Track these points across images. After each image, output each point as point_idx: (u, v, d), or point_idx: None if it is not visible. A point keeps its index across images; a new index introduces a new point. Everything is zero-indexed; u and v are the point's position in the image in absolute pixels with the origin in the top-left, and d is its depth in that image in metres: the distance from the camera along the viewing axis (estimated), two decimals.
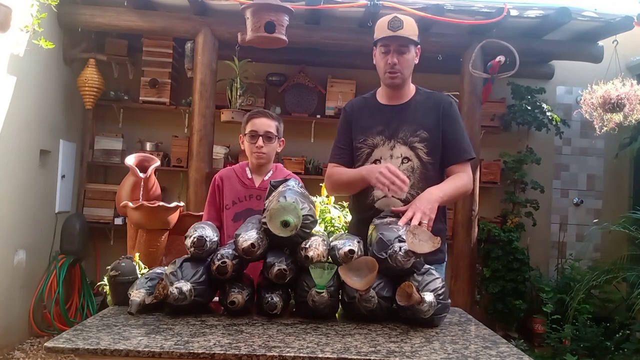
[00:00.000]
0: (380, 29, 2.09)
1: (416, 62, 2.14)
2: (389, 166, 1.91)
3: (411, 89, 2.19)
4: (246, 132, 2.34)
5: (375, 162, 2.10)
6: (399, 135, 2.10)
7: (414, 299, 1.59)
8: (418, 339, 1.56)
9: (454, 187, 2.05)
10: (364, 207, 2.12)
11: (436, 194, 1.93)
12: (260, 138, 2.30)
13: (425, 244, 1.68)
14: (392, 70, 2.08)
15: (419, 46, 2.13)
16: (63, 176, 4.52)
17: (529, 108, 4.80)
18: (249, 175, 2.35)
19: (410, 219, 1.81)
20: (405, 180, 1.88)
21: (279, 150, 2.43)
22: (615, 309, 4.52)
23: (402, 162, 2.09)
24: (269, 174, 2.36)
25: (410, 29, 2.07)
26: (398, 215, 1.89)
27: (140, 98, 4.68)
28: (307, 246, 1.71)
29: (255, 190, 2.32)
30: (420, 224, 1.80)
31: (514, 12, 4.11)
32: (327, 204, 3.07)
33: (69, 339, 1.43)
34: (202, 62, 4.34)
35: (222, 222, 2.33)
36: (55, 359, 3.63)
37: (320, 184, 3.12)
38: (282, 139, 2.42)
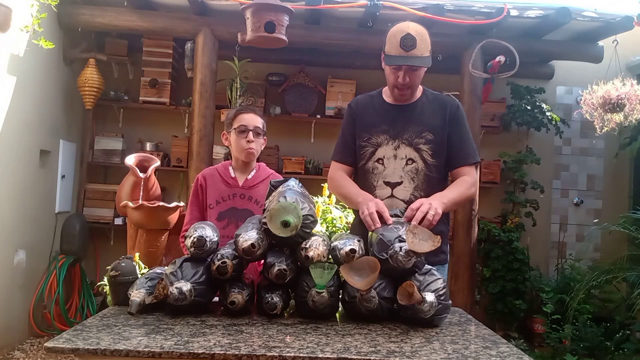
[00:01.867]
0: (392, 45, 2.01)
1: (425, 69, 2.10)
2: (377, 202, 1.87)
3: (418, 90, 2.17)
4: (234, 127, 2.30)
5: (378, 160, 2.10)
6: (404, 136, 2.08)
7: (415, 299, 1.59)
8: (418, 339, 1.56)
9: (457, 193, 2.03)
10: None
11: (439, 200, 1.90)
12: (250, 132, 2.28)
13: (426, 243, 1.68)
14: (402, 88, 2.06)
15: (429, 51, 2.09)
16: (63, 176, 4.52)
17: (529, 108, 4.80)
18: (232, 174, 2.33)
19: (413, 215, 1.80)
20: (388, 220, 1.81)
21: (262, 149, 2.41)
22: (615, 309, 4.51)
23: (407, 164, 2.08)
24: (253, 173, 2.35)
25: (423, 46, 2.00)
26: (397, 215, 1.89)
27: (140, 98, 4.68)
28: (307, 246, 1.71)
29: (239, 189, 2.31)
30: (422, 220, 1.78)
31: (514, 12, 4.11)
32: (328, 204, 3.07)
33: (69, 339, 1.43)
34: (202, 62, 4.34)
35: None
36: (55, 359, 3.63)
37: (322, 185, 3.13)
38: (265, 137, 2.41)
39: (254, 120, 2.31)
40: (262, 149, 2.42)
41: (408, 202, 2.03)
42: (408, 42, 1.98)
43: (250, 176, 2.34)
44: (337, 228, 2.93)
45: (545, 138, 5.08)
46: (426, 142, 2.07)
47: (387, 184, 2.08)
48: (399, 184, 2.07)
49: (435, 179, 2.08)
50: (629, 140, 4.78)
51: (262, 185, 2.30)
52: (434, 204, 1.84)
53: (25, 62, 3.82)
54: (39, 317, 4.26)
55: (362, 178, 2.15)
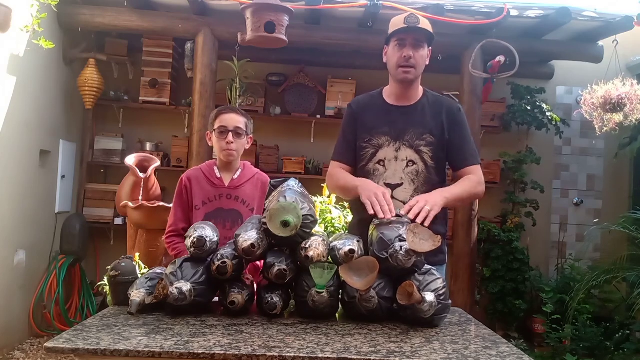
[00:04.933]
0: (396, 25, 2.08)
1: (427, 63, 2.13)
2: (385, 192, 1.89)
3: (419, 91, 2.17)
4: (215, 128, 2.30)
5: (379, 162, 2.10)
6: (405, 138, 2.08)
7: (414, 299, 1.60)
8: (418, 339, 1.56)
9: (461, 189, 2.04)
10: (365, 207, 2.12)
11: (440, 194, 1.93)
12: (230, 134, 2.26)
13: (426, 242, 1.68)
14: (407, 65, 2.06)
15: (430, 48, 2.13)
16: (63, 176, 4.52)
17: (529, 108, 4.80)
18: (218, 175, 2.32)
19: (410, 210, 1.82)
20: (393, 212, 1.83)
21: (247, 148, 2.39)
22: (615, 309, 4.52)
23: (407, 165, 2.08)
24: (238, 172, 2.33)
25: (426, 25, 2.09)
26: (399, 215, 1.89)
27: (140, 98, 4.67)
28: (307, 246, 1.71)
29: (225, 189, 2.29)
30: (416, 218, 1.79)
31: (514, 12, 4.11)
32: (327, 204, 3.07)
33: (69, 339, 1.43)
34: (202, 62, 4.34)
35: (190, 224, 2.22)
36: (55, 359, 3.63)
37: (322, 185, 3.13)
38: (251, 136, 2.38)
39: (234, 120, 2.29)
40: (248, 147, 2.38)
41: (407, 203, 2.04)
42: (412, 19, 2.05)
43: (236, 176, 2.32)
44: (336, 228, 2.93)
45: (546, 138, 5.08)
46: (427, 144, 2.07)
47: (388, 185, 2.08)
48: (400, 185, 2.07)
49: (435, 181, 2.09)
50: (629, 140, 4.78)
51: (248, 185, 2.30)
52: (432, 200, 1.86)
53: (25, 62, 3.82)
54: (39, 317, 4.26)
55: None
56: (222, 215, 2.25)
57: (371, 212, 1.84)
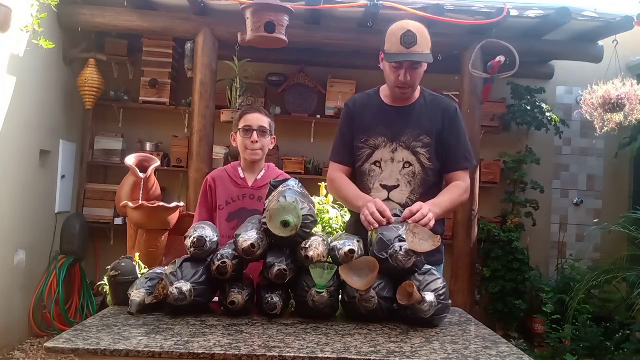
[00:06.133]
0: (392, 43, 1.98)
1: (425, 68, 2.09)
2: (377, 202, 1.86)
3: (417, 91, 2.15)
4: (240, 127, 2.33)
5: (375, 163, 2.09)
6: (401, 139, 2.07)
7: (414, 299, 1.60)
8: (418, 339, 1.56)
9: (450, 200, 2.03)
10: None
11: (433, 210, 1.87)
12: (255, 132, 2.29)
13: (426, 242, 1.68)
14: (403, 87, 2.04)
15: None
16: (63, 176, 4.52)
17: (529, 108, 4.80)
18: (242, 175, 2.34)
19: (410, 216, 1.81)
20: (390, 219, 1.80)
21: (271, 148, 2.42)
22: (615, 309, 4.52)
23: (404, 167, 2.07)
24: (262, 173, 2.35)
25: (424, 43, 1.97)
26: (397, 215, 1.89)
27: (140, 98, 4.68)
28: (307, 246, 1.71)
29: (249, 189, 2.32)
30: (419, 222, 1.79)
31: (514, 12, 4.11)
32: (325, 203, 3.06)
33: (69, 339, 1.43)
34: (202, 62, 4.34)
35: (214, 223, 2.30)
36: (55, 359, 3.63)
37: (320, 184, 3.13)
38: (274, 136, 2.41)
39: (258, 120, 2.32)
40: (272, 147, 2.42)
41: (404, 206, 2.02)
42: (409, 39, 1.95)
43: (259, 176, 2.34)
44: (333, 229, 2.93)
45: (545, 138, 5.08)
46: (423, 145, 2.06)
47: (384, 187, 2.07)
48: (396, 187, 2.06)
49: (431, 183, 2.08)
50: (629, 140, 4.78)
51: None
52: (432, 211, 1.85)
53: (25, 62, 3.82)
54: (39, 317, 4.26)
55: (358, 179, 2.14)
56: (245, 215, 2.25)
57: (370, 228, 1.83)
